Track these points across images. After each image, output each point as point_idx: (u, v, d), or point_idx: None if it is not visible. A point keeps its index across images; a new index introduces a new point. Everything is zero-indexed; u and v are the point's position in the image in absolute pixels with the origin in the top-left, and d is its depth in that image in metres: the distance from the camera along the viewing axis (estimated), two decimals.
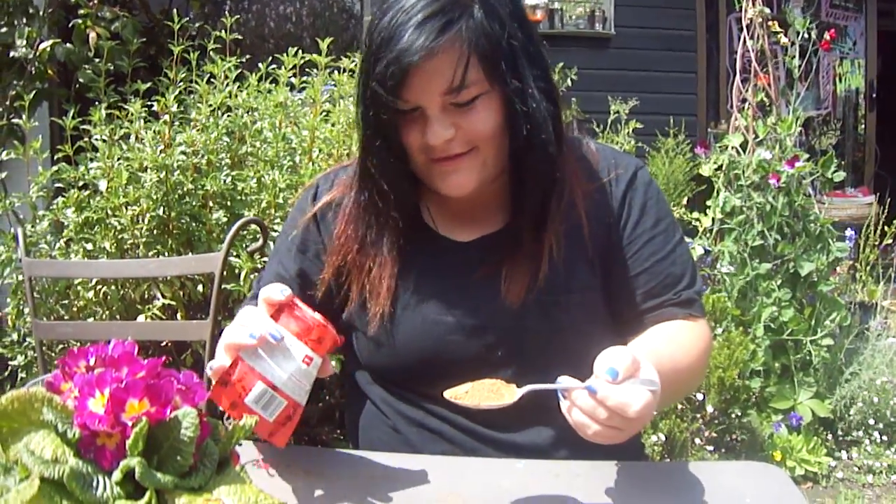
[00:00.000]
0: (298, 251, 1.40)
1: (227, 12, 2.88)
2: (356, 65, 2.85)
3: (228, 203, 2.57)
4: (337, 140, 2.65)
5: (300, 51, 2.80)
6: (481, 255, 1.31)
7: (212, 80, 2.77)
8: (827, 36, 4.13)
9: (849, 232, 3.90)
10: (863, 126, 7.08)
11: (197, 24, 3.04)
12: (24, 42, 3.75)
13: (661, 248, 1.32)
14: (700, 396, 3.30)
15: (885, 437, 3.60)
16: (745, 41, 3.99)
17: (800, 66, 3.97)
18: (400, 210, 1.29)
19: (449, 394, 1.06)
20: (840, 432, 3.64)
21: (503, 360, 1.27)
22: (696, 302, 1.33)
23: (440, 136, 1.19)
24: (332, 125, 2.69)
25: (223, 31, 2.86)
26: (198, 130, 2.60)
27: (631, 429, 0.99)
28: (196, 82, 2.72)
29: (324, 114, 2.75)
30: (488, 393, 1.05)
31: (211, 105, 2.66)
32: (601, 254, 1.31)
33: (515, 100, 1.21)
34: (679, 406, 3.20)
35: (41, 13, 3.91)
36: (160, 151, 2.52)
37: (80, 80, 3.58)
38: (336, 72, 2.84)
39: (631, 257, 1.32)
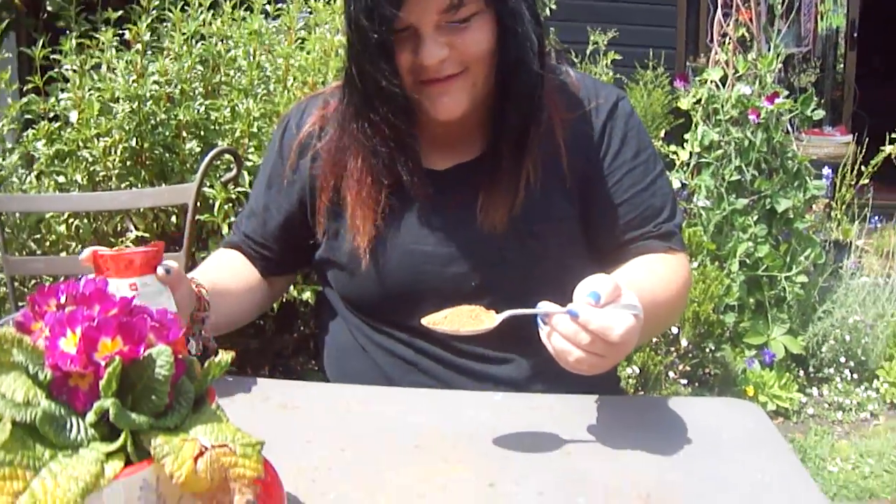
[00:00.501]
0: (266, 187, 1.42)
1: None
2: None
3: (202, 133, 2.53)
4: (312, 68, 2.60)
5: None
6: (458, 183, 1.30)
7: (185, 7, 2.70)
8: None
9: (826, 171, 3.91)
10: (842, 65, 7.07)
11: None
12: None
13: (640, 179, 1.31)
14: (675, 330, 3.33)
15: (855, 375, 3.67)
16: None
17: (782, 2, 3.93)
18: (397, 140, 1.26)
19: (427, 320, 1.04)
20: (812, 369, 3.70)
21: (479, 291, 1.26)
22: (676, 235, 1.33)
23: (434, 56, 1.17)
24: (308, 53, 2.64)
25: None
26: (171, 59, 2.55)
27: (614, 356, 0.98)
28: (169, 10, 2.65)
29: (299, 41, 2.70)
30: (467, 319, 1.04)
31: (184, 34, 2.60)
32: (580, 184, 1.30)
33: (509, 19, 1.19)
34: (654, 339, 3.23)
35: None
36: (132, 81, 2.46)
37: (49, 8, 3.47)
38: None
39: (611, 188, 1.31)
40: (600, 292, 0.96)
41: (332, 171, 1.33)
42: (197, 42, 2.62)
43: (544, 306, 0.99)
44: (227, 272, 1.39)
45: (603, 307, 0.96)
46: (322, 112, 1.38)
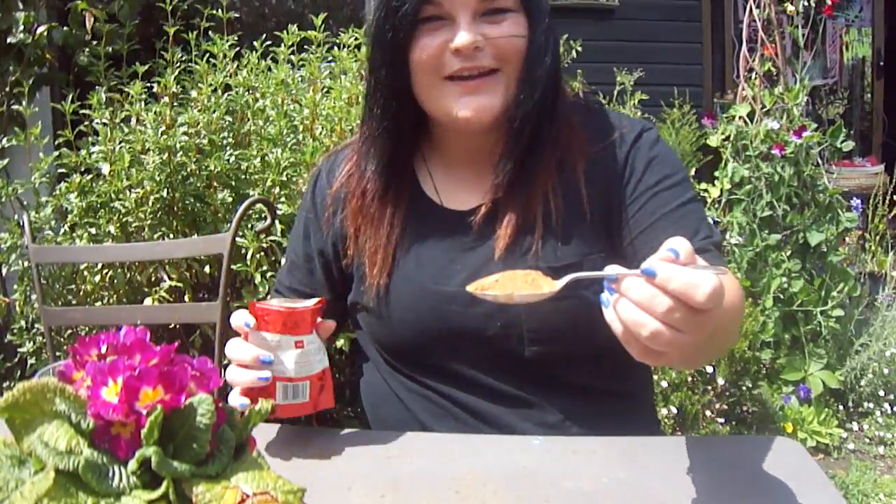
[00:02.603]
0: (304, 238, 1.43)
1: None
2: (356, 40, 2.84)
3: (233, 183, 2.56)
4: (339, 116, 2.63)
5: (298, 28, 2.78)
6: (478, 224, 1.29)
7: (211, 59, 2.75)
8: (828, 1, 4.09)
9: (855, 201, 3.88)
10: (870, 95, 7.01)
11: (190, 3, 3.00)
12: (22, 27, 3.72)
13: (667, 203, 1.24)
14: (710, 369, 3.29)
15: (895, 408, 3.60)
16: (751, 10, 3.96)
17: (805, 35, 3.93)
18: (395, 150, 1.29)
19: (473, 286, 0.93)
20: (851, 404, 3.63)
21: (505, 331, 1.24)
22: (713, 251, 1.22)
23: (471, 38, 1.17)
24: (334, 100, 2.67)
25: (219, 10, 2.84)
26: (199, 110, 2.59)
27: (694, 330, 0.80)
28: (195, 62, 2.70)
29: (325, 90, 2.73)
30: (521, 283, 0.91)
31: (211, 85, 2.64)
32: (603, 218, 1.27)
33: (539, 27, 1.21)
34: (690, 378, 3.19)
35: None
36: (161, 133, 2.50)
37: (78, 63, 3.55)
38: (335, 48, 2.82)
39: (634, 216, 1.25)
40: (679, 250, 0.82)
41: (353, 215, 1.34)
42: (223, 93, 2.66)
43: (613, 269, 0.84)
44: None
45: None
46: (352, 162, 1.39)
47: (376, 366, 1.39)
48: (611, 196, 1.27)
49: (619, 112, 1.40)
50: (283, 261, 1.55)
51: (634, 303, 0.80)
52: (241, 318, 1.14)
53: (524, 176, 1.26)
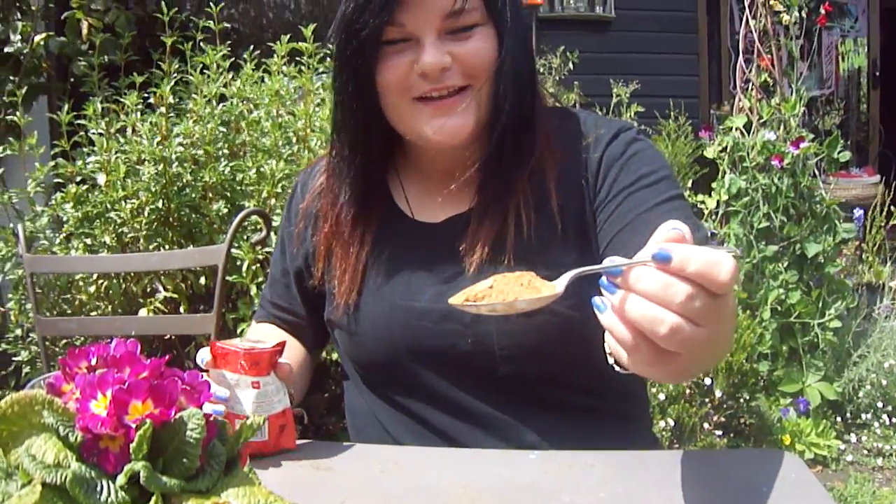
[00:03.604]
0: (280, 253, 1.43)
1: (211, 2, 2.85)
2: None
3: (228, 194, 2.56)
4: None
5: (290, 39, 2.78)
6: (450, 235, 1.24)
7: (205, 70, 2.75)
8: (822, 10, 4.10)
9: (857, 213, 3.87)
10: (866, 105, 7.05)
11: (187, 15, 3.01)
12: (19, 37, 3.72)
13: (644, 201, 1.15)
14: (708, 381, 3.29)
15: (894, 420, 3.59)
16: (747, 21, 3.96)
17: (801, 45, 3.94)
18: (366, 175, 1.26)
19: (457, 298, 0.83)
20: (849, 415, 3.63)
21: (476, 348, 1.20)
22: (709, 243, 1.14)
23: (436, 59, 1.12)
24: (329, 111, 2.67)
25: (211, 22, 2.84)
26: (193, 121, 2.58)
27: (712, 321, 0.72)
28: (190, 74, 2.70)
29: (318, 102, 2.73)
30: (516, 286, 0.80)
31: (206, 95, 2.64)
32: (576, 227, 1.21)
33: (508, 38, 1.17)
34: (687, 391, 3.18)
35: (34, 7, 3.88)
36: (157, 143, 2.50)
37: (75, 72, 3.55)
38: (329, 58, 2.82)
39: (608, 218, 1.18)
40: (682, 229, 0.74)
41: (323, 231, 1.32)
42: (218, 104, 2.66)
43: (614, 260, 0.74)
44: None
45: None
46: (324, 176, 1.35)
47: (355, 384, 1.36)
48: (583, 202, 1.22)
49: (599, 116, 1.34)
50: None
51: (648, 296, 0.71)
52: (203, 355, 1.13)
53: (497, 187, 1.23)
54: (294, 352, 1.39)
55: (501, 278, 0.82)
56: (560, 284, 0.79)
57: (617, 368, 0.93)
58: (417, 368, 1.23)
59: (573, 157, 1.23)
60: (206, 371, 1.13)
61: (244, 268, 2.31)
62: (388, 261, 1.28)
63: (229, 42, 2.90)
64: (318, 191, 1.36)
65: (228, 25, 2.96)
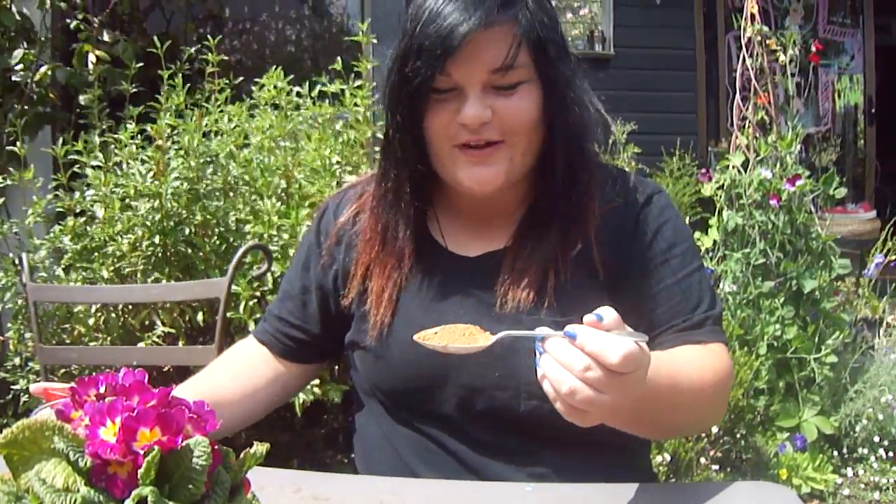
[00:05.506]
0: (303, 268, 1.43)
1: (209, 35, 2.88)
2: (341, 91, 2.86)
3: (221, 229, 2.56)
4: (321, 164, 2.63)
5: (284, 72, 2.81)
6: (483, 270, 1.29)
7: (206, 103, 2.77)
8: (813, 48, 4.15)
9: (879, 258, 3.87)
10: (862, 141, 7.09)
11: (196, 48, 3.04)
12: (21, 65, 3.74)
13: (673, 272, 1.27)
14: None
15: (891, 454, 3.58)
16: (744, 59, 4.01)
17: (798, 83, 3.98)
18: (409, 209, 1.30)
19: (418, 336, 1.01)
20: (846, 450, 3.62)
21: (503, 381, 1.24)
22: (708, 326, 1.26)
23: (476, 113, 1.17)
24: (315, 146, 2.68)
25: (209, 54, 2.86)
26: (181, 157, 2.59)
27: (614, 391, 0.89)
28: (189, 107, 2.72)
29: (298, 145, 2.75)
30: (460, 336, 1.00)
31: (194, 130, 2.64)
32: (611, 278, 1.27)
33: (557, 96, 1.21)
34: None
35: (42, 38, 3.92)
36: (151, 178, 2.50)
37: (81, 103, 3.58)
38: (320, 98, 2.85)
39: (641, 281, 1.27)
40: (604, 315, 0.91)
41: (364, 254, 1.35)
42: (215, 136, 2.67)
43: (542, 330, 0.93)
44: (225, 380, 1.40)
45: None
46: (359, 202, 1.40)
47: (370, 411, 1.38)
48: (620, 258, 1.28)
49: (627, 171, 1.41)
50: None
51: (557, 360, 0.89)
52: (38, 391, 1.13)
53: (534, 227, 1.28)
54: (246, 379, 1.41)
55: (450, 327, 1.01)
56: (492, 339, 0.99)
57: None
58: (441, 397, 1.26)
59: (612, 212, 1.30)
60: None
61: (242, 305, 2.32)
62: (421, 288, 1.31)
63: (239, 78, 2.93)
64: (354, 215, 1.39)
65: (225, 57, 2.98)
